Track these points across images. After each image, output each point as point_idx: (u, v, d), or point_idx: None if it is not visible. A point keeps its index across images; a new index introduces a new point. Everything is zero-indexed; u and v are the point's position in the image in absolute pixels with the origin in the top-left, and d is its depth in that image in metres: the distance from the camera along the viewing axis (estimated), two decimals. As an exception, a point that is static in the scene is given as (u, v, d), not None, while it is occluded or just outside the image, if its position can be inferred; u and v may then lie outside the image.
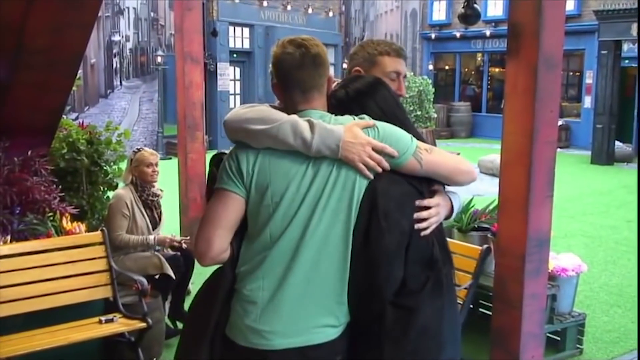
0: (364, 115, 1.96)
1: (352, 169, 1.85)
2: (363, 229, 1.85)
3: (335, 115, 1.98)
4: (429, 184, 1.93)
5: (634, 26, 14.68)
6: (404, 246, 1.85)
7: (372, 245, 1.84)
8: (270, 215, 1.88)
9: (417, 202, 1.89)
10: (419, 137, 2.00)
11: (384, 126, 1.93)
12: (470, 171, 1.99)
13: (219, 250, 1.92)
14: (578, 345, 4.50)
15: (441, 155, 1.97)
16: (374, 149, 1.85)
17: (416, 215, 1.89)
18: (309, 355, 1.87)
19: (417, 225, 1.88)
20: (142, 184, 4.57)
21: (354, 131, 1.86)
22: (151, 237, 4.47)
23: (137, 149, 4.70)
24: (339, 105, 2.03)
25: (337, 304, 1.89)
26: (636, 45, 16.67)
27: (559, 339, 4.45)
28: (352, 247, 1.86)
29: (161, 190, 4.73)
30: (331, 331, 1.89)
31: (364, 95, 2.03)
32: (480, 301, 4.70)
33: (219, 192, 1.94)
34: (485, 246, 3.97)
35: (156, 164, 4.60)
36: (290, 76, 1.96)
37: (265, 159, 1.90)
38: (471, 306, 4.29)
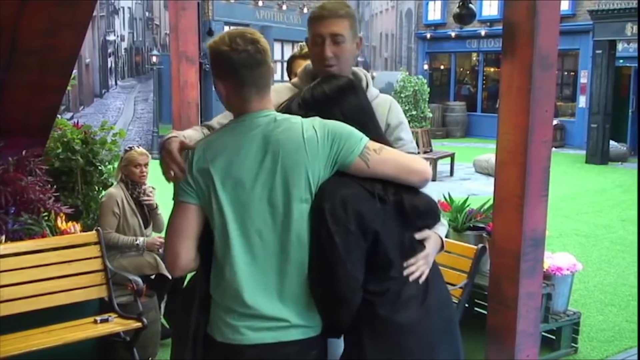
0: (316, 118, 1.95)
1: (296, 171, 1.85)
2: (315, 233, 1.86)
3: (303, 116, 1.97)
4: (384, 186, 1.91)
5: (629, 26, 14.73)
6: (357, 247, 1.85)
7: (324, 248, 1.85)
8: (222, 220, 1.90)
9: (406, 264, 1.93)
10: (383, 141, 2.01)
11: (333, 124, 1.92)
12: (421, 170, 1.97)
13: (187, 260, 1.96)
14: (573, 344, 4.52)
15: (391, 155, 1.95)
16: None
17: (406, 272, 1.93)
18: (282, 351, 1.90)
19: (411, 277, 1.93)
20: (132, 182, 4.57)
21: None
22: (141, 239, 4.47)
23: (128, 147, 4.68)
24: (305, 105, 2.03)
25: (304, 305, 1.90)
26: (630, 44, 16.74)
27: (554, 337, 4.47)
28: (310, 251, 1.88)
29: (153, 188, 4.70)
30: (304, 330, 1.91)
31: (329, 101, 2.02)
32: (476, 300, 4.71)
33: (176, 205, 1.98)
34: (480, 245, 3.98)
35: (145, 165, 4.57)
36: (244, 75, 1.91)
37: (207, 167, 1.90)
38: (466, 305, 4.30)
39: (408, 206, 1.92)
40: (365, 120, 2.02)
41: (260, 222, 1.87)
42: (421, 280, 1.95)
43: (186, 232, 1.94)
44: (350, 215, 1.83)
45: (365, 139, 1.92)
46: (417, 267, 1.95)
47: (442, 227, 2.10)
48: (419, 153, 2.37)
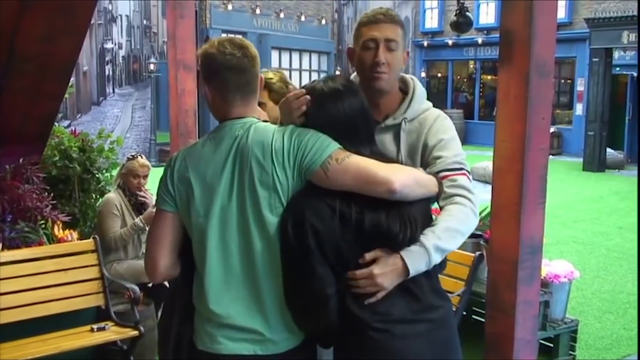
0: (290, 125, 1.91)
1: (264, 179, 1.82)
2: (282, 249, 1.84)
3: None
4: (348, 202, 1.81)
5: (625, 34, 14.80)
6: (320, 264, 1.80)
7: (289, 265, 1.84)
8: (198, 228, 1.90)
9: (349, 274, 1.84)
10: (364, 152, 1.90)
11: (302, 133, 1.87)
12: (385, 181, 1.80)
13: (166, 267, 1.98)
14: (571, 352, 4.51)
15: (354, 164, 1.82)
16: None
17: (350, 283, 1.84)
18: None
19: (354, 290, 1.84)
20: (129, 190, 4.56)
21: None
22: (137, 220, 4.41)
23: (131, 156, 4.66)
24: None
25: (280, 317, 1.87)
26: (627, 52, 16.81)
27: (552, 345, 4.46)
28: (282, 269, 1.85)
29: (151, 194, 4.69)
30: (281, 343, 1.89)
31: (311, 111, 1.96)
32: (474, 308, 4.71)
33: (156, 212, 2.01)
34: (478, 253, 3.98)
35: (145, 176, 4.54)
36: (229, 78, 1.91)
37: (186, 175, 1.91)
38: (464, 313, 4.29)
39: (368, 225, 1.82)
40: (339, 130, 1.91)
41: (236, 231, 1.87)
42: (367, 301, 1.83)
43: (164, 240, 1.96)
44: (309, 233, 1.79)
45: (331, 148, 1.84)
46: (360, 284, 1.82)
47: (416, 250, 1.87)
48: (464, 169, 2.12)
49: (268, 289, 1.86)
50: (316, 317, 1.86)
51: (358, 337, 1.87)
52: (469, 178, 2.10)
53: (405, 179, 1.86)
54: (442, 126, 2.18)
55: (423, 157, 2.15)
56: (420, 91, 2.24)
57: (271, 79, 3.11)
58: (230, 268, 1.88)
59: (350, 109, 1.94)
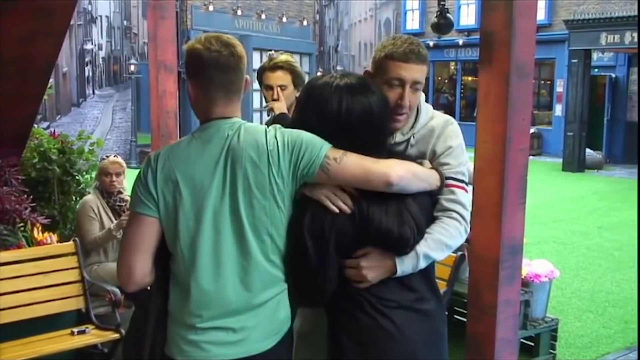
0: (277, 125, 1.91)
1: (260, 180, 1.80)
2: (298, 250, 1.85)
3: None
4: (359, 203, 1.86)
5: (603, 35, 14.97)
6: (333, 261, 1.87)
7: (302, 265, 1.86)
8: (188, 231, 1.84)
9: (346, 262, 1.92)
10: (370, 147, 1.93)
11: (292, 134, 1.86)
12: (383, 174, 1.84)
13: (142, 275, 1.90)
14: (551, 351, 4.55)
15: (351, 162, 1.84)
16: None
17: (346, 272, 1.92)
18: None
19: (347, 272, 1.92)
20: (106, 191, 4.53)
21: None
22: (111, 225, 4.37)
23: (106, 156, 4.68)
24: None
25: (270, 310, 1.87)
26: (605, 54, 17.01)
27: (532, 344, 4.49)
28: (286, 264, 1.88)
29: (129, 196, 4.65)
30: (273, 338, 1.88)
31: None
32: (455, 308, 4.73)
33: (132, 216, 1.92)
34: (459, 253, 4.00)
35: (116, 174, 4.52)
36: (213, 75, 1.87)
37: (172, 176, 1.85)
38: (446, 313, 4.31)
39: (380, 230, 1.87)
40: (370, 123, 1.95)
41: (229, 233, 1.83)
42: (361, 286, 1.92)
43: (143, 246, 1.88)
44: (327, 235, 1.83)
45: (325, 148, 1.84)
46: (346, 272, 1.91)
47: (411, 256, 1.95)
48: (465, 182, 2.15)
49: (259, 288, 1.84)
50: (317, 303, 1.97)
51: (357, 319, 1.93)
52: (467, 191, 2.14)
53: (402, 172, 1.89)
54: (450, 134, 2.19)
55: (431, 163, 2.16)
56: (424, 105, 2.23)
57: (293, 63, 3.08)
58: (223, 270, 1.83)
59: (378, 102, 1.96)
